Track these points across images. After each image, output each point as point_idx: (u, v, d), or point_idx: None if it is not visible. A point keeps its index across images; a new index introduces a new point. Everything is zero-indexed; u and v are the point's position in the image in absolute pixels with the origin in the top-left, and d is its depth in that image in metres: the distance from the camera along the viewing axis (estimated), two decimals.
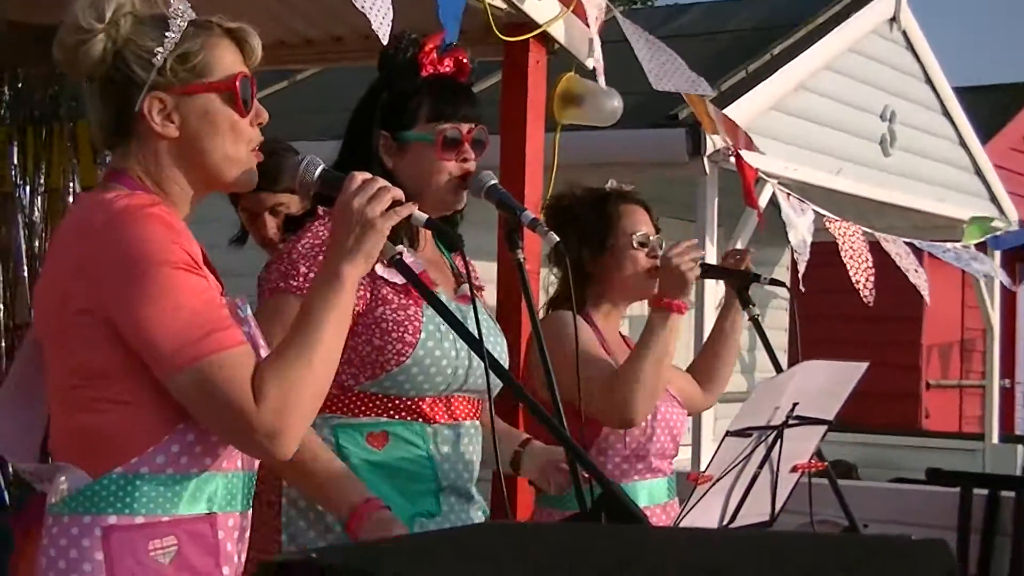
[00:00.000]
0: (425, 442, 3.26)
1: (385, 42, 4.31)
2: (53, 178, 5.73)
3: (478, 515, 3.41)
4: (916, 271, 8.33)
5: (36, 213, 5.72)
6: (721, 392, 4.51)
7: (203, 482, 2.51)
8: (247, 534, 2.64)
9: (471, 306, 3.34)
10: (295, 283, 3.17)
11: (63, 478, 2.46)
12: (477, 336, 2.80)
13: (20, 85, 5.75)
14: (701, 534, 2.53)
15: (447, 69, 3.43)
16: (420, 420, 3.26)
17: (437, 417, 3.28)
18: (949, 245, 9.30)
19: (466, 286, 3.42)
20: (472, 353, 3.29)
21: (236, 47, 2.63)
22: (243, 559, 2.62)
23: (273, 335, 3.04)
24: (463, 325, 2.86)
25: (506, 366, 3.45)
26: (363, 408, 3.23)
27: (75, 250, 2.50)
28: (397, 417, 3.24)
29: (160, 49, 2.53)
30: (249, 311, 2.63)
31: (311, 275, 3.13)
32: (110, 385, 2.46)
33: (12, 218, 5.76)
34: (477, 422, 3.40)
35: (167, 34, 2.54)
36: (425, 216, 2.75)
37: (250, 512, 2.65)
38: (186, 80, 2.55)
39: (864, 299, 7.98)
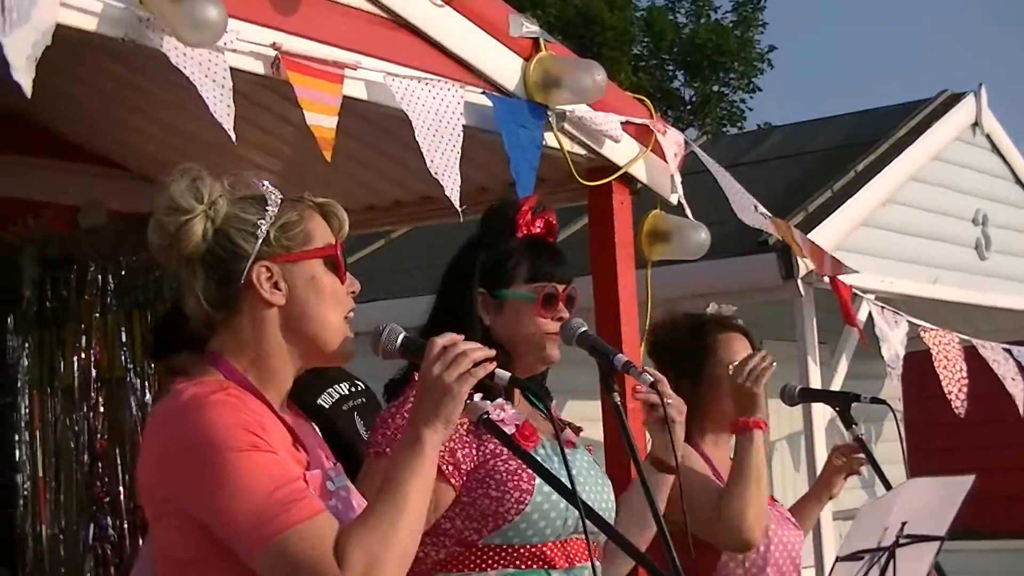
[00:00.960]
0: None
1: (456, 203, 4.46)
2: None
3: None
4: (1013, 379, 8.29)
5: (147, 395, 5.86)
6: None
7: None
8: None
9: (572, 452, 3.40)
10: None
11: None
12: (570, 486, 2.83)
13: (123, 273, 5.92)
14: None
15: (538, 230, 3.53)
16: (544, 568, 3.29)
17: (558, 562, 3.31)
18: None
19: (567, 432, 3.48)
20: (588, 495, 3.34)
21: (325, 220, 2.72)
22: None
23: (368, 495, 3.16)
24: (555, 477, 2.89)
25: (613, 505, 3.48)
26: (491, 562, 3.26)
27: (153, 440, 2.59)
28: (523, 567, 3.26)
29: (263, 221, 2.62)
30: (343, 480, 2.67)
31: None
32: (202, 573, 2.51)
33: (125, 402, 5.90)
34: (596, 562, 3.42)
35: (267, 206, 2.64)
36: (508, 375, 2.80)
37: None
38: (288, 248, 2.64)
39: (956, 410, 7.94)
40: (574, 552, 3.35)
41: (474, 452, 3.26)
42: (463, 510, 3.25)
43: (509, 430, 3.23)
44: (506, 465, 3.25)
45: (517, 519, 3.22)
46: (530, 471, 3.22)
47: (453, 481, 3.23)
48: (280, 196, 2.68)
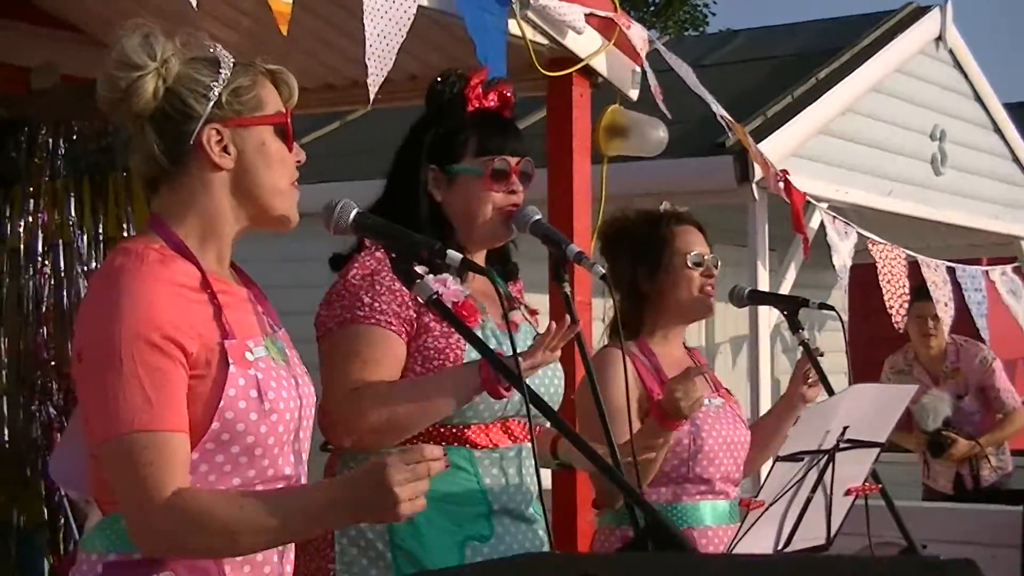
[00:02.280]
0: (473, 466, 3.32)
1: (375, 89, 4.42)
2: (110, 227, 5.82)
3: (537, 535, 3.43)
4: (946, 304, 8.39)
5: (94, 263, 5.81)
6: (750, 474, 4.46)
7: None
8: (258, 559, 2.63)
9: (516, 335, 3.38)
10: (362, 313, 3.25)
11: (91, 516, 2.54)
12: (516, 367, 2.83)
13: (75, 138, 5.84)
14: (739, 560, 2.56)
15: (492, 104, 3.50)
16: (466, 446, 3.30)
17: (485, 442, 3.32)
18: (991, 270, 9.33)
19: (514, 313, 3.47)
20: (531, 378, 3.33)
21: (275, 88, 2.72)
22: None
23: (351, 364, 3.22)
24: (493, 353, 2.87)
25: (561, 392, 3.48)
26: (409, 438, 3.26)
27: (80, 311, 2.61)
28: (443, 443, 3.27)
29: (215, 83, 2.62)
30: (262, 351, 2.64)
31: (375, 304, 3.23)
32: None
33: (71, 267, 5.85)
34: (527, 445, 3.43)
35: (221, 69, 2.63)
36: (459, 256, 2.79)
37: None
38: (240, 112, 2.64)
39: (895, 324, 8.03)
40: (516, 432, 3.36)
41: (413, 326, 3.26)
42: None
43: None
44: (436, 343, 3.26)
45: None
46: (457, 352, 3.23)
47: (404, 335, 3.26)
48: (233, 60, 2.67)
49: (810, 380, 4.21)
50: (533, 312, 3.62)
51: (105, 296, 2.51)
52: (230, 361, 2.55)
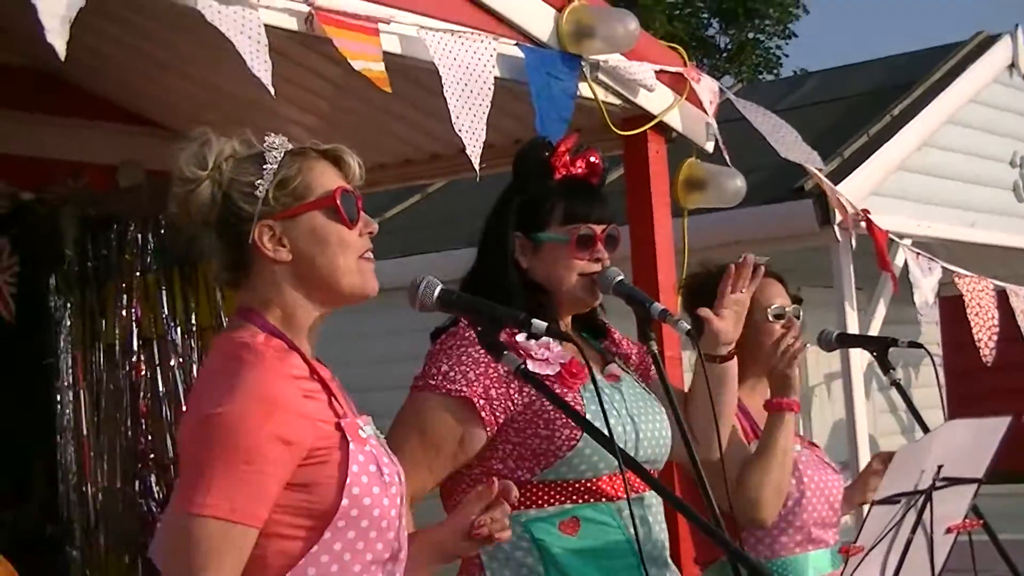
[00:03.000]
0: (615, 519, 3.31)
1: (475, 161, 4.49)
2: (202, 317, 5.92)
3: None
4: None
5: (192, 353, 5.90)
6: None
7: None
8: None
9: (615, 385, 3.42)
10: (433, 381, 3.26)
11: None
12: (605, 427, 2.86)
13: (162, 231, 5.96)
14: None
15: (579, 171, 3.51)
16: (603, 500, 3.31)
17: (618, 493, 3.32)
18: None
19: (611, 365, 3.50)
20: (637, 426, 3.36)
21: (334, 166, 2.75)
22: None
23: (407, 431, 3.23)
24: (589, 423, 2.91)
25: (669, 435, 3.49)
26: (547, 498, 3.28)
27: (201, 384, 2.68)
28: (581, 501, 3.28)
29: (260, 181, 2.65)
30: (371, 428, 2.71)
31: (451, 372, 3.24)
32: None
33: (166, 360, 5.95)
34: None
35: (264, 165, 2.66)
36: (544, 325, 2.82)
37: None
38: (288, 204, 2.67)
39: (984, 357, 7.97)
40: (633, 482, 3.35)
41: (514, 393, 3.27)
42: (514, 450, 3.28)
43: (553, 370, 3.25)
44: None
45: (569, 455, 3.24)
46: (579, 407, 3.24)
47: (485, 416, 3.24)
48: (281, 151, 2.69)
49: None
50: (628, 359, 3.64)
51: (227, 382, 2.55)
52: (349, 439, 2.60)
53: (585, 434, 3.22)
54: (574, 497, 3.28)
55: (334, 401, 2.66)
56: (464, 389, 3.23)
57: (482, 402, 3.24)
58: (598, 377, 3.34)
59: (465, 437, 3.26)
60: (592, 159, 3.53)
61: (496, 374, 3.24)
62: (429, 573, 3.00)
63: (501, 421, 3.26)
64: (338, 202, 2.69)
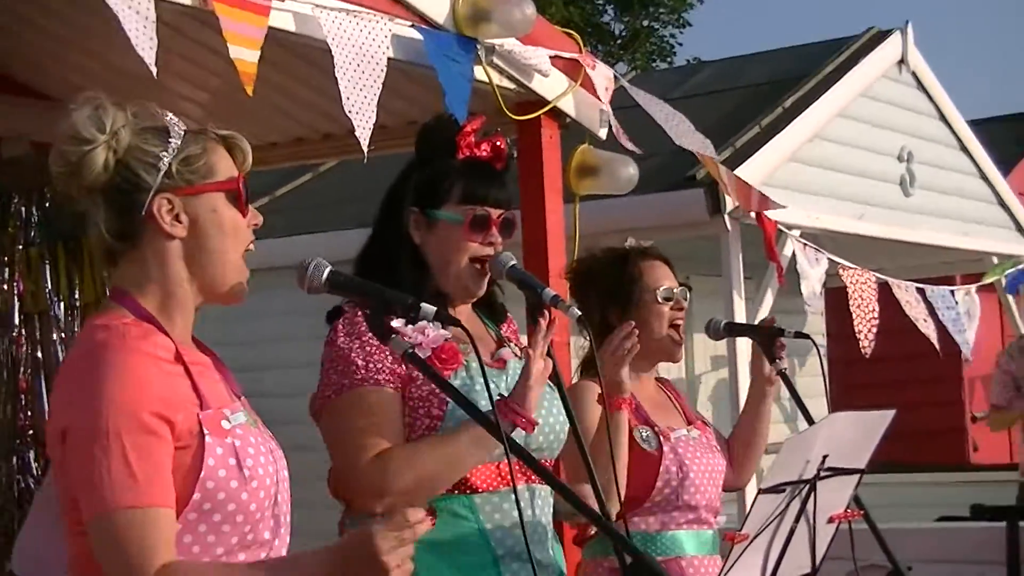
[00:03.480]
0: (474, 513, 3.29)
1: (364, 142, 4.46)
2: (86, 293, 5.84)
3: None
4: (925, 320, 8.47)
5: (75, 329, 5.81)
6: (751, 476, 4.52)
7: None
8: None
9: (503, 370, 3.41)
10: (359, 376, 3.25)
11: None
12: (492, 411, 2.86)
13: (47, 205, 5.86)
14: None
15: (484, 154, 3.50)
16: (467, 492, 3.30)
17: (486, 485, 3.31)
18: (956, 291, 9.43)
19: (503, 351, 3.49)
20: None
21: (229, 153, 2.71)
22: None
23: (365, 432, 3.21)
24: (474, 405, 2.87)
25: (565, 421, 3.48)
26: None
27: (58, 389, 2.61)
28: (443, 492, 3.28)
29: (165, 153, 2.60)
30: (240, 417, 2.65)
31: (369, 364, 3.23)
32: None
33: (48, 335, 5.86)
34: (543, 486, 3.43)
35: (170, 139, 2.62)
36: (433, 309, 2.82)
37: None
38: (191, 181, 2.63)
39: (863, 349, 8.10)
40: (502, 475, 3.34)
41: (403, 372, 3.27)
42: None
43: (423, 354, 3.22)
44: (419, 391, 3.26)
45: None
46: (442, 397, 3.23)
47: (399, 391, 3.26)
48: (183, 128, 2.66)
49: (770, 369, 4.27)
50: (524, 350, 3.62)
51: (89, 374, 2.50)
52: (206, 432, 2.54)
53: (445, 425, 3.23)
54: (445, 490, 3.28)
55: (198, 388, 2.59)
56: (390, 379, 3.26)
57: (388, 375, 3.27)
58: (475, 363, 3.33)
59: (399, 410, 3.29)
60: (498, 143, 3.52)
61: (395, 357, 3.24)
62: None
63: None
64: (241, 189, 2.67)
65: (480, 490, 3.30)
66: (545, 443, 3.40)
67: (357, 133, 4.53)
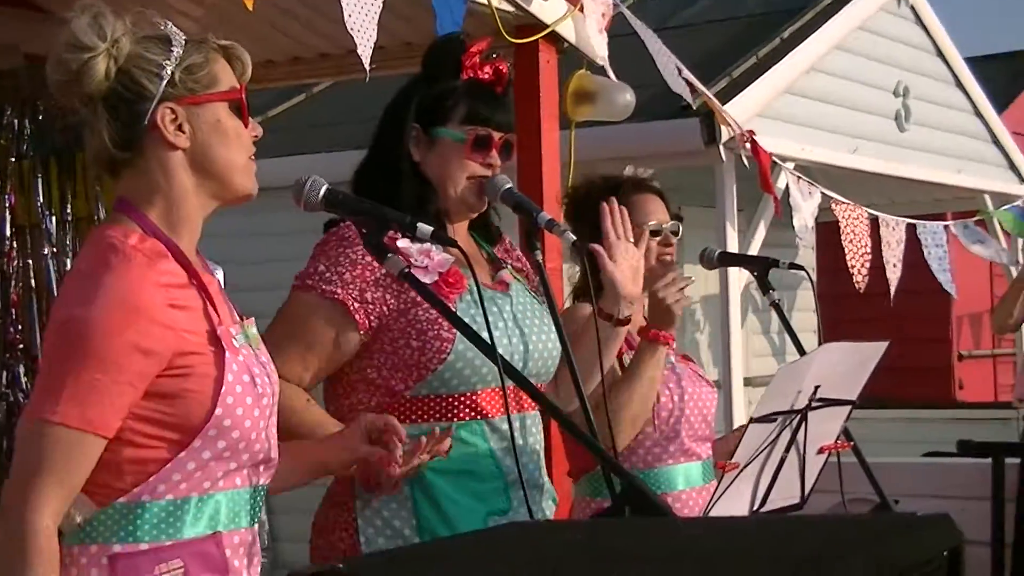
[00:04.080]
0: (486, 439, 3.28)
1: (366, 62, 4.42)
2: (79, 207, 5.80)
3: (549, 505, 3.43)
4: (895, 265, 8.48)
5: (67, 243, 5.79)
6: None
7: (204, 504, 2.56)
8: (257, 546, 2.69)
9: (503, 296, 3.40)
10: (310, 281, 3.23)
11: (73, 509, 2.53)
12: (487, 336, 2.84)
13: (40, 118, 5.82)
14: (716, 524, 2.59)
15: (486, 76, 3.49)
16: (479, 417, 3.29)
17: (495, 411, 3.30)
18: (953, 225, 9.42)
19: (502, 272, 3.48)
20: (527, 338, 3.35)
21: (228, 64, 2.69)
22: (255, 572, 2.67)
23: (274, 327, 3.20)
24: (472, 330, 2.87)
25: (558, 349, 3.48)
26: (421, 414, 3.25)
27: (66, 286, 2.62)
28: (456, 419, 3.26)
29: (167, 62, 2.59)
30: (243, 339, 2.66)
31: (327, 273, 3.21)
32: None
33: (40, 249, 5.83)
34: (534, 412, 3.43)
35: (172, 47, 2.60)
36: (430, 229, 2.81)
37: (256, 527, 2.70)
38: (194, 90, 2.61)
39: (856, 284, 8.11)
40: (513, 398, 3.33)
41: (391, 298, 3.24)
42: (387, 359, 3.25)
43: (430, 279, 3.22)
44: (427, 313, 3.23)
45: (440, 368, 3.21)
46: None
47: (359, 319, 3.21)
48: (184, 37, 2.64)
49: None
50: (520, 270, 3.61)
51: (89, 286, 2.49)
52: (225, 347, 2.55)
53: (456, 347, 3.21)
54: (449, 414, 3.26)
55: (209, 308, 2.60)
56: (339, 291, 3.20)
57: (356, 305, 3.21)
58: (483, 286, 3.31)
59: (339, 338, 3.23)
60: (500, 67, 3.51)
61: (373, 277, 3.21)
62: (302, 483, 3.03)
63: (376, 326, 3.23)
64: (243, 99, 2.65)
65: (490, 415, 3.29)
66: (540, 368, 3.39)
67: (359, 51, 4.49)
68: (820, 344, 3.62)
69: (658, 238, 4.17)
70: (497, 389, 3.27)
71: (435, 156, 3.41)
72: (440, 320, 3.20)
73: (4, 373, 5.91)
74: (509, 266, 3.55)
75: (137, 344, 2.47)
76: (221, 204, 2.70)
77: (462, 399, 3.26)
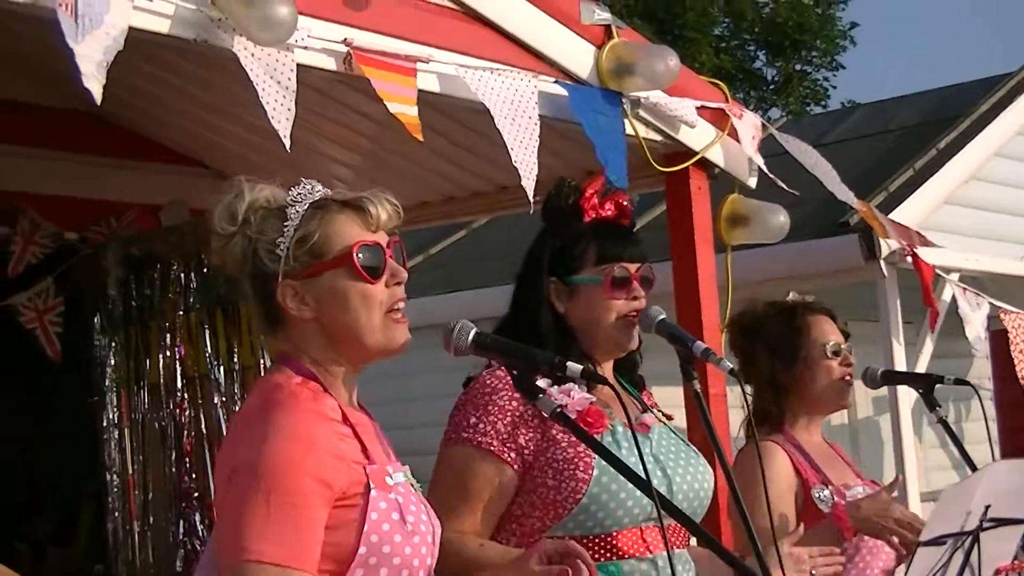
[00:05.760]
0: None
1: (531, 195, 4.47)
2: (244, 356, 5.92)
3: None
4: None
5: (235, 392, 5.90)
6: None
7: None
8: None
9: (648, 436, 3.37)
10: (466, 435, 3.24)
11: None
12: (643, 472, 2.81)
13: (205, 271, 5.97)
14: None
15: (608, 213, 3.50)
16: (614, 558, 3.27)
17: (635, 549, 3.27)
18: None
19: (645, 415, 3.46)
20: (673, 478, 3.32)
21: (357, 217, 2.68)
22: None
23: (437, 484, 3.22)
24: (624, 464, 2.84)
25: (708, 487, 3.45)
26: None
27: (235, 430, 2.66)
28: (597, 560, 3.22)
29: (281, 239, 2.62)
30: (401, 477, 2.68)
31: (480, 425, 3.22)
32: None
33: (210, 399, 5.95)
34: (684, 551, 3.39)
35: (286, 222, 2.63)
36: (579, 368, 2.80)
37: None
38: (307, 263, 2.63)
39: None
40: (649, 540, 3.31)
41: (538, 436, 3.25)
42: (526, 498, 3.25)
43: (570, 416, 3.22)
44: (564, 453, 3.22)
45: (575, 510, 3.20)
46: (587, 461, 3.20)
47: (512, 461, 3.21)
48: (305, 204, 2.66)
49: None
50: (669, 417, 3.60)
51: (261, 425, 2.53)
52: (371, 486, 2.57)
53: (591, 491, 3.19)
54: (590, 555, 3.24)
55: (366, 447, 2.63)
56: (494, 443, 3.21)
57: (512, 454, 3.22)
58: (621, 426, 3.31)
59: (501, 484, 3.23)
60: (621, 201, 3.52)
61: (521, 420, 3.22)
62: None
63: (528, 464, 3.24)
64: (355, 259, 2.64)
65: (627, 556, 3.26)
66: (688, 508, 3.34)
67: (523, 183, 4.54)
68: (995, 454, 3.53)
69: (839, 358, 4.14)
70: (634, 529, 3.24)
71: (577, 304, 3.41)
72: (577, 460, 3.20)
73: (182, 522, 6.02)
74: (653, 410, 3.53)
75: (317, 475, 2.50)
76: (364, 363, 2.73)
77: (598, 540, 3.24)
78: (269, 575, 2.45)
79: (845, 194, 6.15)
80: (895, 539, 3.79)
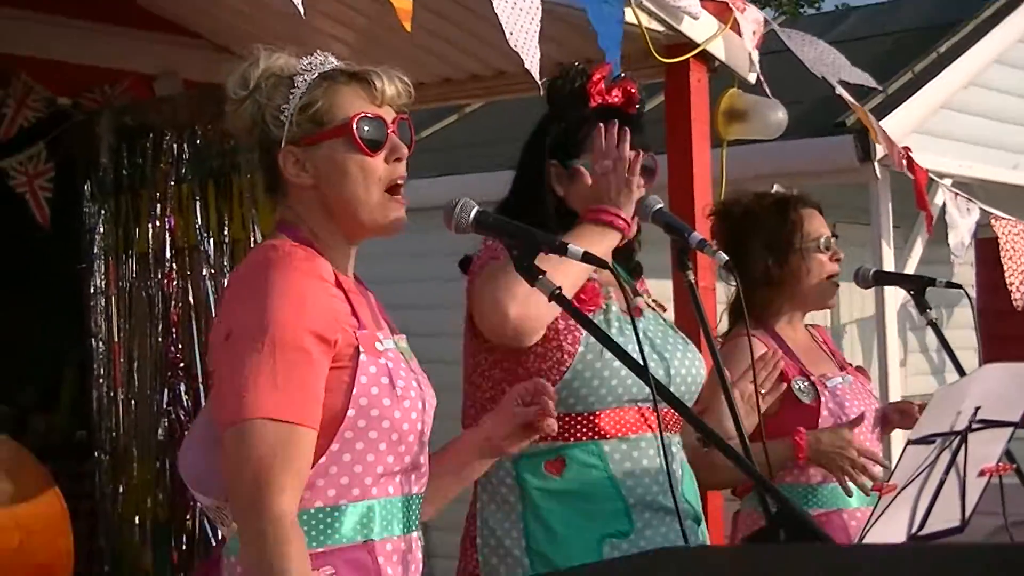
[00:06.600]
0: (603, 461, 3.28)
1: (537, 78, 4.42)
2: (235, 230, 5.90)
3: (691, 525, 3.36)
4: None
5: (224, 265, 5.89)
6: None
7: (355, 511, 2.59)
8: (415, 554, 2.70)
9: (642, 318, 3.38)
10: (498, 258, 3.23)
11: (230, 517, 2.56)
12: (639, 352, 2.81)
13: (199, 143, 5.93)
14: (872, 551, 2.54)
15: (615, 100, 3.47)
16: (595, 438, 3.27)
17: (616, 430, 3.29)
18: None
19: (638, 299, 3.46)
20: (671, 361, 3.33)
21: (363, 90, 2.69)
22: None
23: (499, 280, 3.17)
24: (620, 348, 2.82)
25: (703, 376, 3.46)
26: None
27: (229, 292, 2.69)
28: (572, 439, 3.26)
29: (286, 105, 2.65)
30: (392, 343, 2.70)
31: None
32: None
33: (198, 270, 5.94)
34: (675, 434, 3.41)
35: (292, 89, 2.65)
36: (581, 250, 2.80)
37: (414, 534, 2.71)
38: (309, 131, 2.65)
39: (1015, 301, 7.92)
40: (632, 421, 3.31)
41: None
42: (511, 367, 3.29)
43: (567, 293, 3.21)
44: (555, 324, 3.24)
45: (559, 383, 3.21)
46: (576, 335, 3.21)
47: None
48: (314, 74, 2.66)
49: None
50: (661, 307, 3.60)
51: (256, 286, 2.55)
52: (361, 350, 2.59)
53: (575, 367, 3.20)
54: (565, 435, 3.25)
55: (355, 311, 2.64)
56: None
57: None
58: (615, 306, 3.31)
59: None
60: (628, 87, 3.49)
61: None
62: (483, 468, 3.02)
63: None
64: (354, 129, 2.65)
65: (609, 436, 3.27)
66: (683, 393, 3.36)
67: (527, 66, 4.48)
68: (980, 363, 3.55)
69: (829, 253, 4.15)
70: (617, 409, 3.25)
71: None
72: (566, 332, 3.21)
73: (166, 392, 6.03)
74: (646, 297, 3.53)
75: (316, 331, 2.52)
76: (359, 238, 2.74)
77: (581, 419, 3.25)
78: (276, 432, 2.46)
79: (859, 77, 6.11)
80: (845, 478, 3.83)
